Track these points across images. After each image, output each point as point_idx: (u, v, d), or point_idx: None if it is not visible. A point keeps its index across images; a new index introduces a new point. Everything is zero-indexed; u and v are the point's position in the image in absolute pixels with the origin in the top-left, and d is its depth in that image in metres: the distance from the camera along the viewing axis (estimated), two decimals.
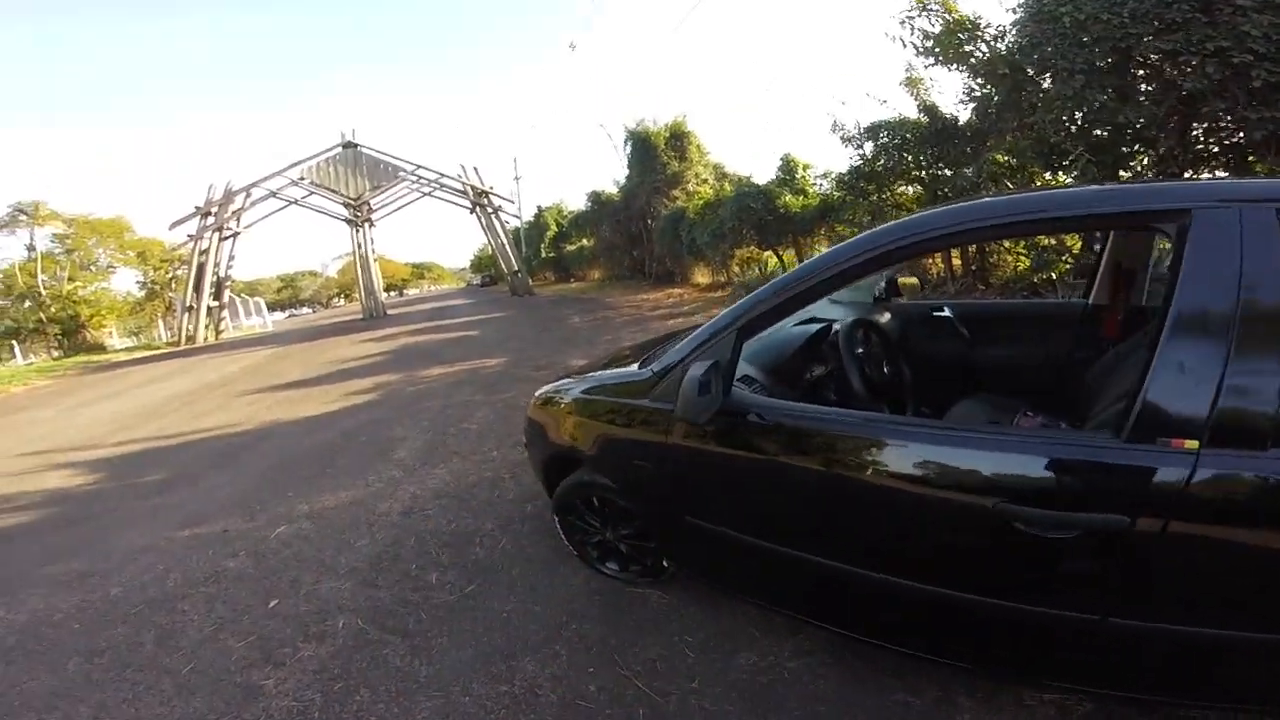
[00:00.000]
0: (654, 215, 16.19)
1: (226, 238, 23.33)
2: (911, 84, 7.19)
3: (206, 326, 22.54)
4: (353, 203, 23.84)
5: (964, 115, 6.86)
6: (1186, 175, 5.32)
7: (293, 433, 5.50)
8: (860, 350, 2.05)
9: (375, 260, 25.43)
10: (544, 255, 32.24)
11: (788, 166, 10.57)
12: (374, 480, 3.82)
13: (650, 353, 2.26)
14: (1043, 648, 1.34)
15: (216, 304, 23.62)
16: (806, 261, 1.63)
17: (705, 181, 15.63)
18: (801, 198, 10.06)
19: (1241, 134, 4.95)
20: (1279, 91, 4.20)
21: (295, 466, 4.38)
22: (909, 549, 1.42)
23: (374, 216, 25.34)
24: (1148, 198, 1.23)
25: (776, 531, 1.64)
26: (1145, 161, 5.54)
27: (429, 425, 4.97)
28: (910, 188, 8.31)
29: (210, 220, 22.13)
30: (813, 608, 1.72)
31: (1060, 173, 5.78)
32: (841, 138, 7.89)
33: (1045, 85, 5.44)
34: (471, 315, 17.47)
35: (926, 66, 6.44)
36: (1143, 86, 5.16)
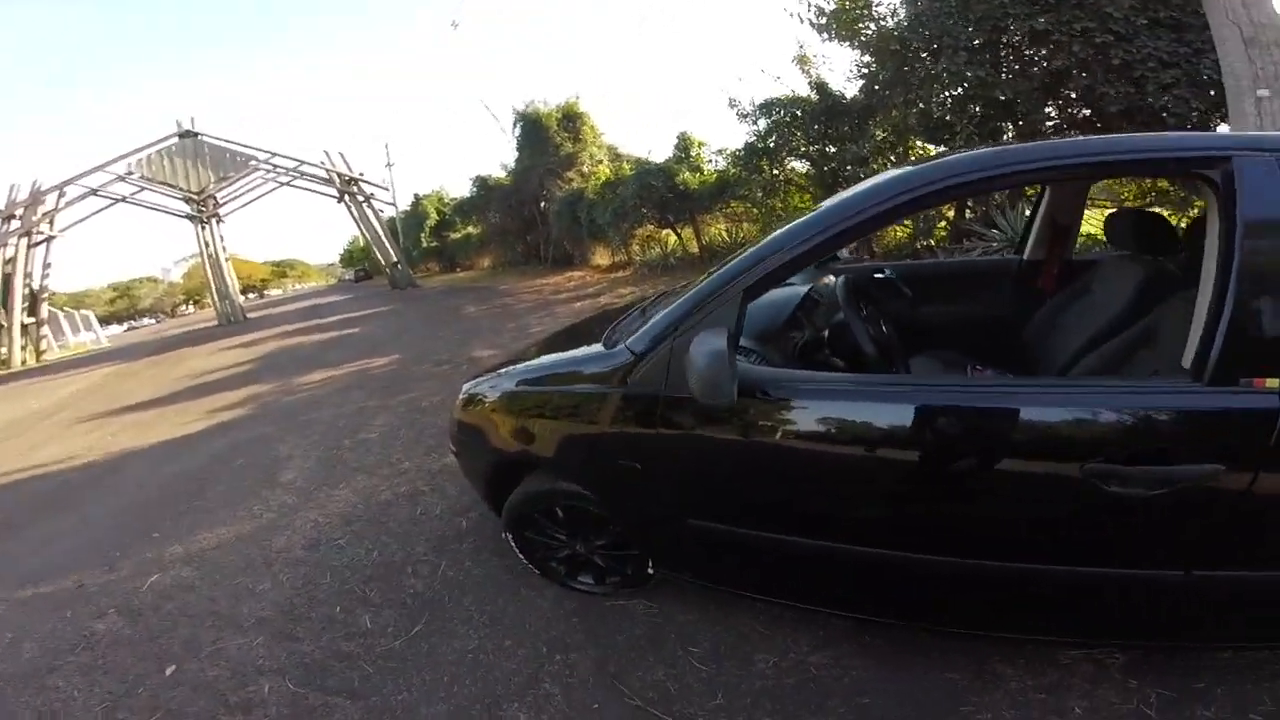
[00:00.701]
0: (548, 198, 15.64)
1: (37, 243, 19.58)
2: (802, 61, 7.36)
3: (23, 347, 19.07)
4: (195, 197, 20.78)
5: (851, 91, 7.15)
6: None
7: (149, 461, 4.62)
8: (863, 311, 1.89)
9: (228, 260, 22.34)
10: (425, 245, 30.16)
11: (684, 144, 10.55)
12: (261, 510, 3.20)
13: (613, 327, 1.95)
14: (1121, 610, 1.26)
15: (33, 320, 19.92)
16: (822, 208, 1.42)
17: (600, 163, 15.34)
18: (698, 175, 10.08)
19: (1088, 110, 5.57)
20: (1134, 69, 4.73)
21: (158, 501, 3.62)
22: (975, 524, 1.28)
23: (223, 211, 22.26)
24: (1190, 145, 1.21)
25: (816, 525, 1.44)
26: (1010, 134, 6.06)
27: (319, 439, 4.30)
28: (800, 163, 8.58)
29: (15, 224, 18.24)
30: (861, 602, 1.55)
31: (943, 145, 6.18)
32: (737, 114, 7.95)
33: (924, 60, 5.76)
34: (349, 312, 15.93)
35: (823, 41, 6.61)
36: (1007, 65, 5.62)
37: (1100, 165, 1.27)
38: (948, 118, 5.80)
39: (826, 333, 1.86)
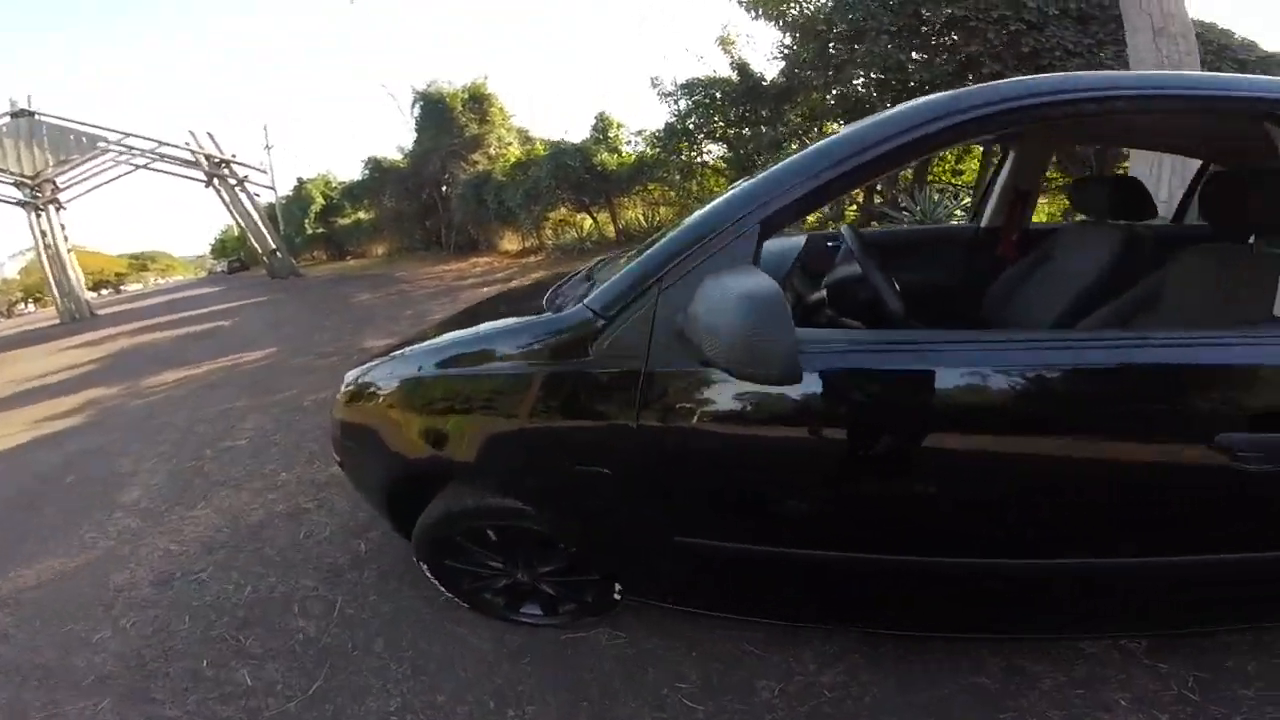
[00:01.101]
0: (451, 181, 14.69)
1: None
2: (725, 42, 7.24)
3: None
4: (28, 182, 17.37)
5: (771, 73, 7.12)
6: None
7: None
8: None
9: (70, 251, 18.96)
10: (310, 232, 27.44)
11: (602, 125, 10.20)
12: (96, 538, 2.52)
13: (555, 291, 1.57)
14: (1230, 596, 1.10)
15: None
16: (854, 128, 1.12)
17: (509, 145, 14.64)
18: (616, 156, 9.77)
19: None
20: (1042, 57, 4.96)
21: None
22: (1072, 512, 1.04)
23: (64, 197, 18.88)
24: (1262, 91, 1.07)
25: (868, 530, 1.14)
26: None
27: (172, 450, 3.54)
28: (717, 146, 8.51)
29: None
30: (917, 618, 1.31)
31: None
32: (660, 93, 7.74)
33: (845, 43, 5.79)
34: (220, 304, 14.10)
35: (752, 19, 6.52)
36: (921, 50, 5.76)
37: (1204, 100, 1.08)
38: (868, 101, 5.88)
39: (825, 291, 1.59)
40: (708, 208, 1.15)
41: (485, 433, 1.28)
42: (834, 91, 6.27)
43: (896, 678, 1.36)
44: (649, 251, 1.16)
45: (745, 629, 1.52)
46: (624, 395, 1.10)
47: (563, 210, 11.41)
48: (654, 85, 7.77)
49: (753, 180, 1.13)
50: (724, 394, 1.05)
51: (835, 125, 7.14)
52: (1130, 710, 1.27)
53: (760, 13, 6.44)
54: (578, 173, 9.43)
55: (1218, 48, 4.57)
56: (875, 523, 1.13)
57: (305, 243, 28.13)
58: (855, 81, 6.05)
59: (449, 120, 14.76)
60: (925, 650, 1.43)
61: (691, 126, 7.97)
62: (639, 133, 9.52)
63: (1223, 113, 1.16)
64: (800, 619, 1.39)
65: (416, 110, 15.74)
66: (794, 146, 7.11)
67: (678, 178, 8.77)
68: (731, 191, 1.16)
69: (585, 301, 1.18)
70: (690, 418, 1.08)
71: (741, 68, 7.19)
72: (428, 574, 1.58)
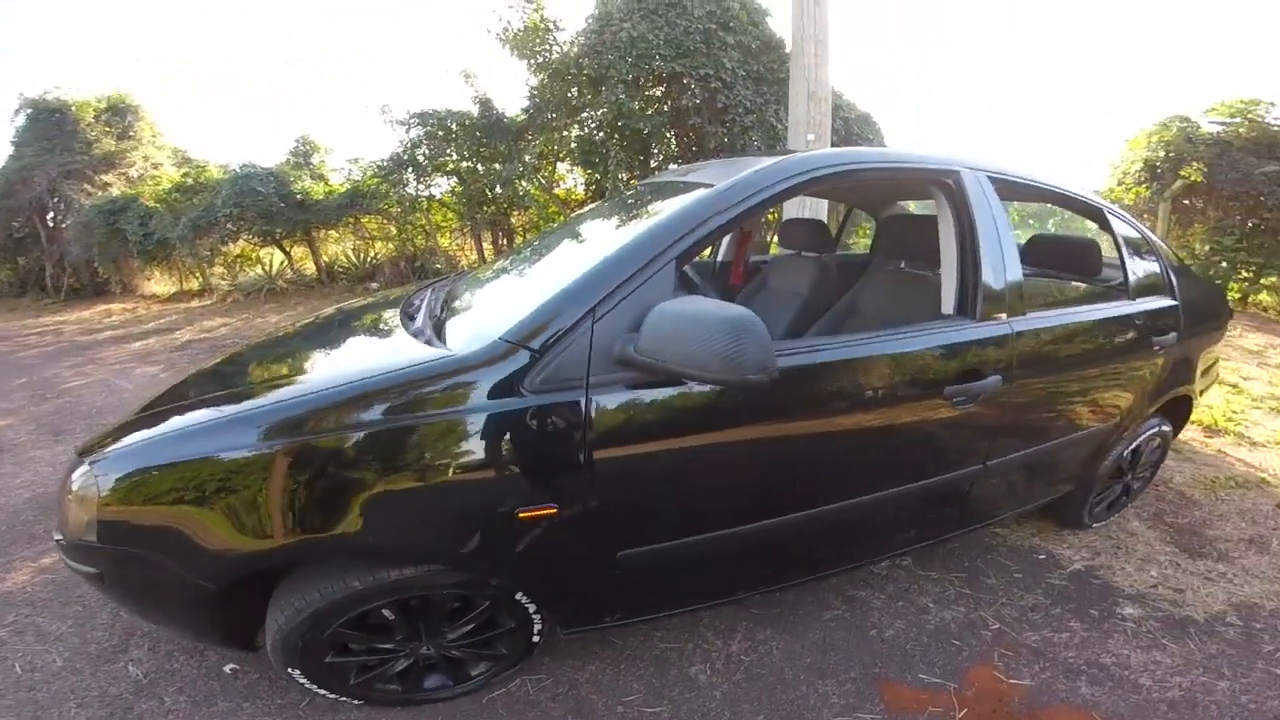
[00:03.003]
0: (64, 207, 11.42)
1: None
2: (467, 76, 7.41)
3: None
4: None
5: (513, 110, 7.52)
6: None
7: None
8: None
9: None
10: None
11: (304, 149, 9.22)
12: None
13: (423, 325, 1.59)
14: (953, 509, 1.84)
15: None
16: (732, 180, 1.42)
17: (159, 166, 12.12)
18: (324, 184, 8.93)
19: (695, 146, 7.20)
20: (729, 113, 6.32)
21: None
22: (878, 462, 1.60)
23: None
24: (937, 162, 1.69)
25: (793, 499, 1.51)
26: (655, 163, 7.40)
27: None
28: (448, 180, 8.57)
29: None
30: (795, 566, 1.69)
31: (593, 169, 7.08)
32: (389, 120, 7.51)
33: (586, 89, 6.56)
34: None
35: (510, 55, 6.83)
36: (647, 101, 6.84)
37: (886, 171, 1.75)
38: (603, 145, 6.73)
39: None
40: (623, 245, 1.32)
41: (391, 499, 1.17)
42: (573, 132, 7.03)
43: (787, 629, 1.72)
44: (571, 285, 1.28)
45: (650, 630, 1.71)
46: (567, 428, 1.20)
47: (243, 244, 9.87)
48: (383, 112, 7.49)
49: (662, 219, 1.36)
50: (669, 405, 1.26)
51: (567, 164, 7.96)
52: (940, 607, 1.84)
53: (516, 52, 6.86)
54: (269, 200, 8.31)
55: (834, 107, 6.47)
56: (791, 491, 1.50)
57: None
58: (591, 125, 6.92)
59: (71, 134, 11.68)
60: (780, 602, 1.83)
61: (421, 158, 7.88)
62: (354, 160, 8.91)
63: (905, 180, 1.89)
64: (727, 593, 1.61)
65: (20, 120, 12.09)
66: (530, 183, 7.64)
67: (399, 210, 8.55)
68: (642, 231, 1.39)
69: (504, 337, 1.23)
70: (640, 435, 1.26)
71: (484, 103, 7.46)
72: (302, 679, 1.36)
